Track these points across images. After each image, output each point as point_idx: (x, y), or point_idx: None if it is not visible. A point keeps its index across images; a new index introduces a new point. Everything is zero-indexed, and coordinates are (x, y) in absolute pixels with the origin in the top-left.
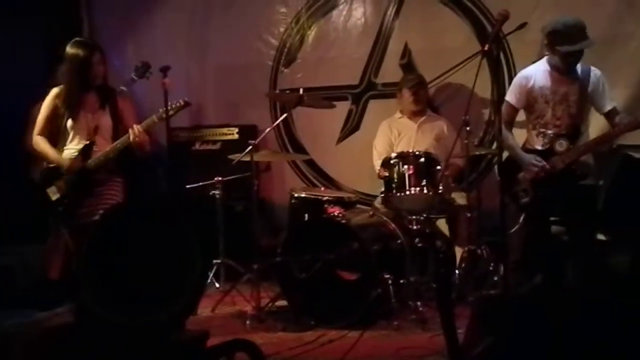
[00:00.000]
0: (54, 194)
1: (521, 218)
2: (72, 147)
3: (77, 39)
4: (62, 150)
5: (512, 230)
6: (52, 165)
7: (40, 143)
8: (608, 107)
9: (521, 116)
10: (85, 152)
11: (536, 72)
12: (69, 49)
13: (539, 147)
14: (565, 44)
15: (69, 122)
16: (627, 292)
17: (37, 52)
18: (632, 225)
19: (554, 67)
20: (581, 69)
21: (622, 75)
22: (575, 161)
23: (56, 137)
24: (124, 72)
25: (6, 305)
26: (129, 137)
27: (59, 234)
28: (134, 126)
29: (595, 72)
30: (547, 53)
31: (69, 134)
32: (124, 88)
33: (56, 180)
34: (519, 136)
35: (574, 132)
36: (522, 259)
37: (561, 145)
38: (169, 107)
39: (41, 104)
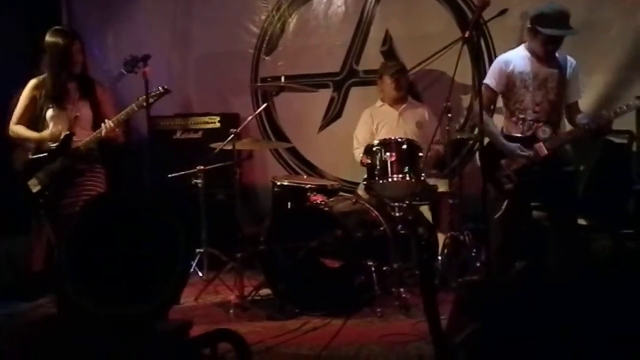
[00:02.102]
0: (34, 185)
1: (504, 204)
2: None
3: (55, 27)
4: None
5: (495, 216)
6: (34, 156)
7: (18, 129)
8: (574, 99)
9: (498, 103)
10: (64, 142)
11: (516, 57)
12: (48, 38)
13: (519, 134)
14: (549, 27)
15: (49, 112)
16: (608, 276)
17: (17, 43)
18: (613, 210)
19: (533, 53)
20: (559, 56)
21: (602, 62)
22: (559, 148)
23: (35, 127)
24: (103, 61)
25: None
26: (100, 132)
27: (41, 226)
28: (106, 121)
29: (571, 61)
30: (526, 39)
31: (48, 125)
32: (109, 84)
33: (37, 172)
34: (497, 122)
35: (554, 118)
36: (504, 244)
37: (544, 132)
38: (148, 96)
39: (19, 96)
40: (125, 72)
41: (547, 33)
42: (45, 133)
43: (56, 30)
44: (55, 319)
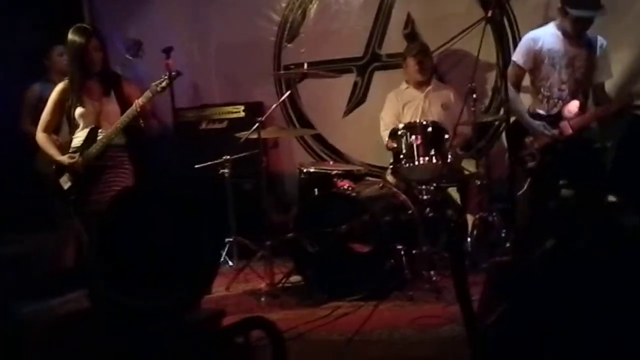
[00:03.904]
0: (65, 183)
1: (527, 182)
2: (80, 135)
3: (76, 25)
4: (72, 139)
5: (519, 194)
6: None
7: (41, 140)
8: (602, 80)
9: (525, 81)
10: (90, 137)
11: (544, 35)
12: (69, 36)
13: (543, 112)
14: (579, 7)
15: (78, 111)
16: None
17: (39, 39)
18: None
19: (563, 32)
20: (589, 36)
21: (627, 37)
22: (583, 127)
23: (61, 125)
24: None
25: (21, 294)
26: (134, 109)
27: (71, 222)
28: (136, 101)
29: (602, 41)
30: (557, 17)
31: (78, 123)
32: (118, 68)
33: (68, 169)
34: (524, 100)
35: (580, 97)
36: (532, 224)
37: (570, 111)
38: (158, 82)
39: (34, 89)
40: (130, 58)
41: (576, 14)
42: (65, 159)
43: (75, 29)
44: (87, 313)
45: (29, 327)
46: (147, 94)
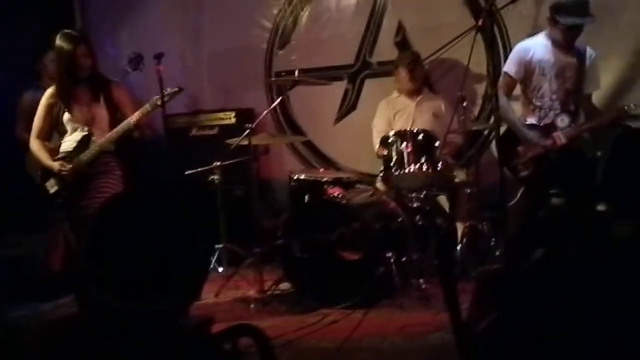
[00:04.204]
0: (52, 187)
1: (520, 192)
2: (70, 140)
3: (64, 31)
4: (61, 143)
5: (511, 204)
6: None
7: (34, 147)
8: (591, 90)
9: (515, 90)
10: (82, 144)
11: (535, 45)
12: (56, 42)
13: (535, 121)
14: (569, 16)
15: (65, 116)
16: (629, 262)
17: (31, 43)
18: (632, 195)
19: (553, 41)
20: (579, 46)
21: (617, 45)
22: (576, 138)
23: (53, 131)
24: (119, 60)
25: (13, 297)
26: (130, 122)
27: (60, 226)
28: (134, 114)
29: (590, 51)
30: (546, 27)
31: (66, 129)
32: (116, 80)
33: (55, 174)
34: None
35: (572, 108)
36: (523, 232)
37: (563, 122)
38: (157, 97)
39: (27, 96)
40: (130, 70)
41: (567, 23)
42: (55, 165)
43: (62, 35)
44: (76, 318)
45: (21, 331)
46: (146, 107)
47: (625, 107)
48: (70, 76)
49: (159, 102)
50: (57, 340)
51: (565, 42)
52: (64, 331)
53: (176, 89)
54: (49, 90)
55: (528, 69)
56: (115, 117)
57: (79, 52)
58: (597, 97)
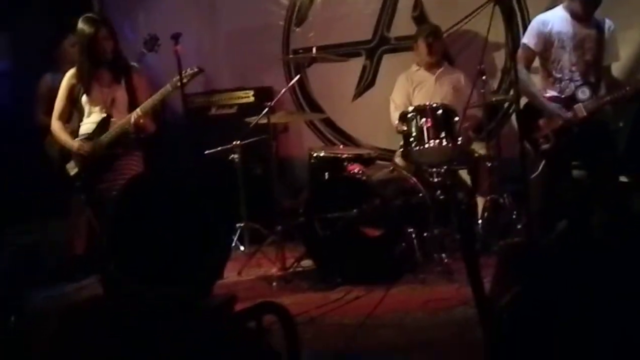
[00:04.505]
0: (72, 169)
1: (541, 165)
2: (88, 122)
3: (86, 15)
4: (80, 126)
5: (532, 177)
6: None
7: (55, 128)
8: (610, 61)
9: (534, 63)
10: (102, 126)
11: (554, 17)
12: (78, 26)
13: (556, 94)
14: None
15: (84, 97)
16: None
17: (48, 29)
18: None
19: (572, 13)
20: (597, 18)
21: (636, 17)
22: (597, 110)
23: (73, 113)
24: (136, 41)
25: (34, 282)
26: (129, 121)
27: (81, 209)
28: (135, 112)
29: (609, 23)
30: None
31: (84, 109)
32: (135, 64)
33: (75, 156)
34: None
35: (592, 80)
36: (545, 205)
37: (584, 94)
38: (182, 75)
39: (45, 80)
40: (146, 52)
41: None
42: (75, 143)
43: (84, 18)
44: (101, 299)
45: (43, 313)
46: (167, 88)
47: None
48: (91, 59)
49: (179, 83)
50: (84, 321)
51: (585, 13)
52: (90, 312)
53: (196, 70)
54: (70, 72)
55: (547, 42)
56: (134, 101)
57: (100, 36)
58: (616, 69)
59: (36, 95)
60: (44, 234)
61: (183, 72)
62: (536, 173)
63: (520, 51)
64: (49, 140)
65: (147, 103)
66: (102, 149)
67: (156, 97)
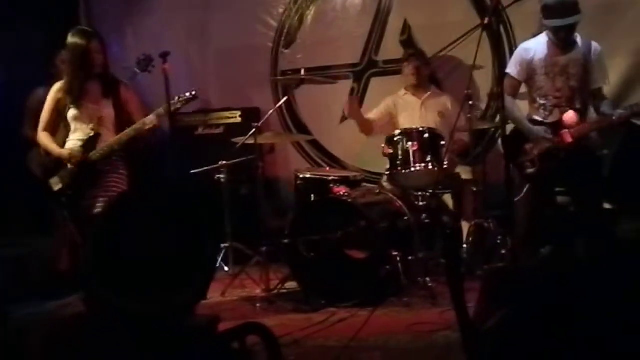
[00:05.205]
0: (56, 184)
1: (525, 188)
2: (74, 139)
3: (77, 27)
4: (65, 142)
5: (516, 199)
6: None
7: (42, 139)
8: (598, 85)
9: (522, 88)
10: (90, 143)
11: (537, 45)
12: (69, 39)
13: (542, 119)
14: (552, 17)
15: (71, 113)
16: (635, 260)
17: (36, 42)
18: (638, 194)
19: (553, 40)
20: (582, 42)
21: (623, 43)
22: (584, 136)
23: (59, 129)
24: (123, 57)
25: (19, 296)
26: (143, 125)
27: (66, 225)
28: (148, 117)
29: (595, 46)
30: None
31: (71, 125)
32: (126, 82)
33: (59, 171)
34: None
35: (579, 105)
36: (529, 230)
37: (570, 119)
38: (176, 99)
39: (37, 95)
40: (138, 71)
41: (549, 25)
42: (65, 152)
43: (76, 31)
44: (83, 317)
45: (27, 330)
46: (160, 111)
47: (631, 106)
48: (82, 72)
49: (174, 107)
50: (65, 339)
51: (559, 41)
52: (71, 329)
53: (191, 96)
54: (57, 85)
55: (530, 70)
56: (122, 118)
57: (92, 48)
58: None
59: (25, 108)
60: (29, 247)
61: (178, 97)
62: (520, 196)
63: (505, 81)
64: (31, 156)
65: (160, 110)
66: (91, 165)
67: (148, 121)
